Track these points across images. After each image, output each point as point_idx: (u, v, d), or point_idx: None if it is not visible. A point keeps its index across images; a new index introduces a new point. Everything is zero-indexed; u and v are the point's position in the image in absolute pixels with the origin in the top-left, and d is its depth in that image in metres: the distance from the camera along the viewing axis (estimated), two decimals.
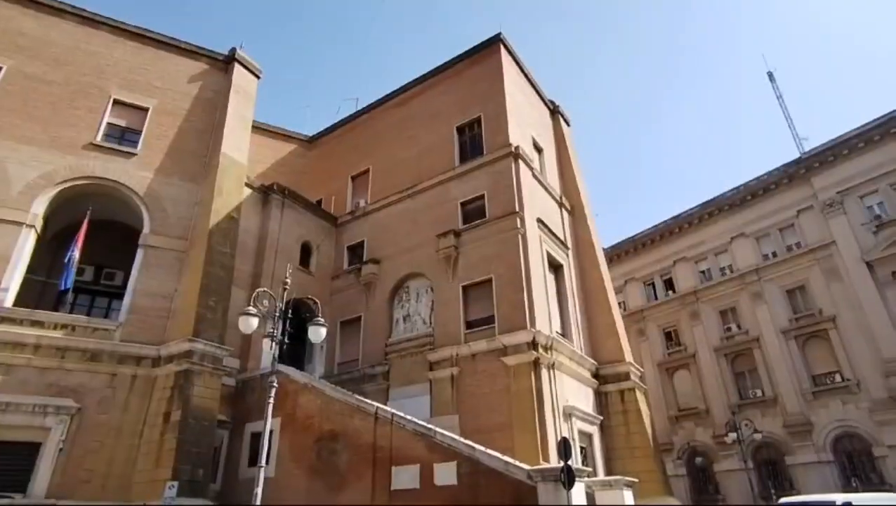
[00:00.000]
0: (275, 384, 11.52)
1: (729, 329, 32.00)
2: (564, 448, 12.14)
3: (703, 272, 34.52)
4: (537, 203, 22.19)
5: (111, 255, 19.72)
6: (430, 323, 21.16)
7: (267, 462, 12.00)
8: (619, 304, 31.58)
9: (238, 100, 22.05)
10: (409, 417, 15.26)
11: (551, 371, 18.19)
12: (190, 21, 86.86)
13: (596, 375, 21.56)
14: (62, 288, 17.37)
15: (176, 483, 14.25)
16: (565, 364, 19.30)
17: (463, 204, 22.27)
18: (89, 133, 19.15)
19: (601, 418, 20.62)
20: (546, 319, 19.50)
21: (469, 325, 20.00)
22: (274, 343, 11.88)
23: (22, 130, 18.08)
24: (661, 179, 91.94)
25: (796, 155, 31.71)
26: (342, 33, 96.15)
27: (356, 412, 15.89)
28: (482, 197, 21.76)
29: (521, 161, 21.72)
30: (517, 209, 20.51)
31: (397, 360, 21.01)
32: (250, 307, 11.72)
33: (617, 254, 38.77)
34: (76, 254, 17.19)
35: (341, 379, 21.17)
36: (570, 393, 19.07)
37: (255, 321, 11.48)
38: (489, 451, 13.43)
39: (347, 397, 16.62)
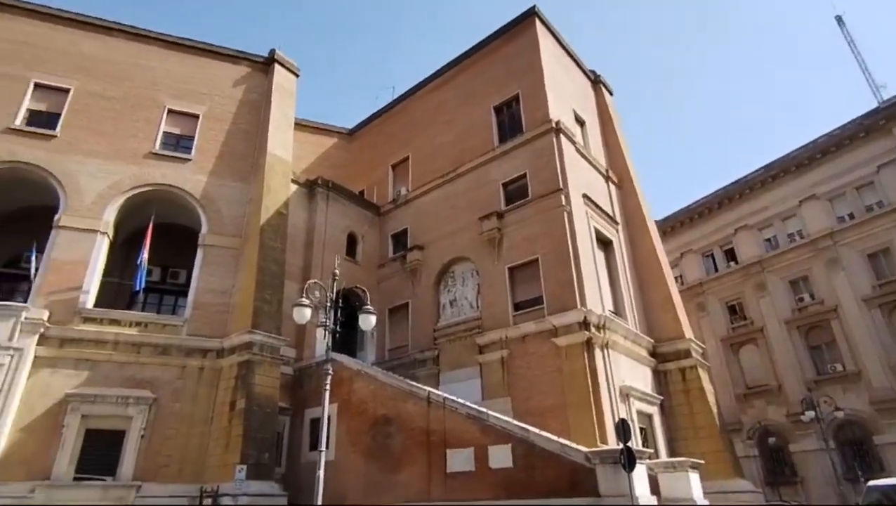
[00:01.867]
0: (330, 372, 11.89)
1: (801, 300, 30.04)
2: (623, 429, 11.84)
3: (768, 240, 32.49)
4: (582, 178, 21.62)
5: (175, 255, 20.95)
6: (478, 306, 21.19)
7: (327, 446, 12.47)
8: (676, 278, 30.41)
9: (280, 99, 22.76)
10: (461, 400, 15.42)
11: (605, 351, 17.82)
12: (221, 25, 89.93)
13: (653, 354, 20.88)
14: (136, 289, 18.69)
15: (244, 467, 15.17)
16: (620, 343, 18.85)
17: (504, 185, 22.06)
18: (148, 143, 20.37)
19: (661, 397, 20.00)
20: (597, 298, 19.09)
21: (517, 306, 19.89)
22: (327, 332, 12.26)
23: (90, 144, 19.49)
24: (715, 143, 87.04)
25: (874, 105, 29.11)
26: (375, 22, 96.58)
27: (408, 397, 16.20)
28: (524, 176, 21.46)
29: (562, 136, 21.19)
30: (561, 186, 20.08)
31: (446, 344, 21.23)
32: (303, 298, 12.12)
33: (671, 226, 37.12)
34: (145, 256, 18.42)
35: (392, 365, 21.69)
36: (626, 373, 18.61)
37: (308, 312, 11.87)
38: (544, 433, 13.40)
39: (399, 382, 17.01)
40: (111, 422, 16.19)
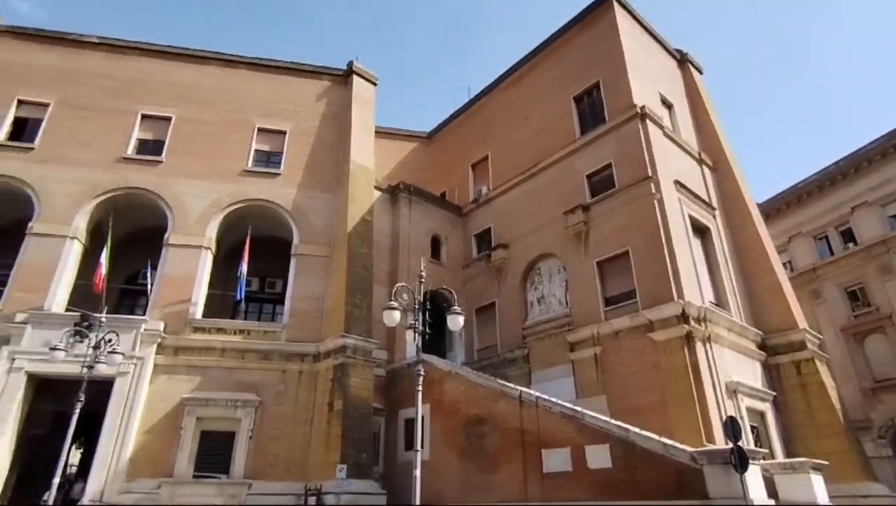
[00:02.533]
0: (421, 372, 11.93)
1: None
2: (732, 427, 11.11)
3: (893, 216, 28.95)
4: (672, 164, 20.46)
5: (271, 266, 22.12)
6: (567, 303, 20.70)
7: (421, 446, 12.56)
8: (784, 264, 27.85)
9: (360, 109, 23.43)
10: (553, 399, 15.10)
11: (707, 344, 16.80)
12: (299, 39, 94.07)
13: (763, 347, 19.33)
14: (238, 299, 19.91)
15: (345, 466, 15.64)
16: (723, 336, 17.69)
17: (589, 176, 21.41)
18: (241, 161, 21.68)
19: (774, 393, 18.48)
20: (696, 289, 17.98)
21: (608, 301, 19.23)
22: (416, 334, 12.31)
23: (191, 167, 21.06)
24: (821, 115, 79.17)
25: None
26: (449, 23, 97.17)
27: (500, 397, 16.06)
28: (609, 166, 20.71)
29: (648, 121, 20.21)
30: (649, 174, 19.13)
31: (536, 343, 20.87)
32: (392, 302, 12.24)
33: (776, 208, 34.06)
34: (244, 268, 19.58)
35: (482, 365, 21.64)
36: (732, 367, 17.42)
37: (397, 314, 11.94)
38: (644, 432, 12.84)
39: (490, 381, 16.91)
40: (222, 424, 17.33)
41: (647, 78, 22.44)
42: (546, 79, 25.16)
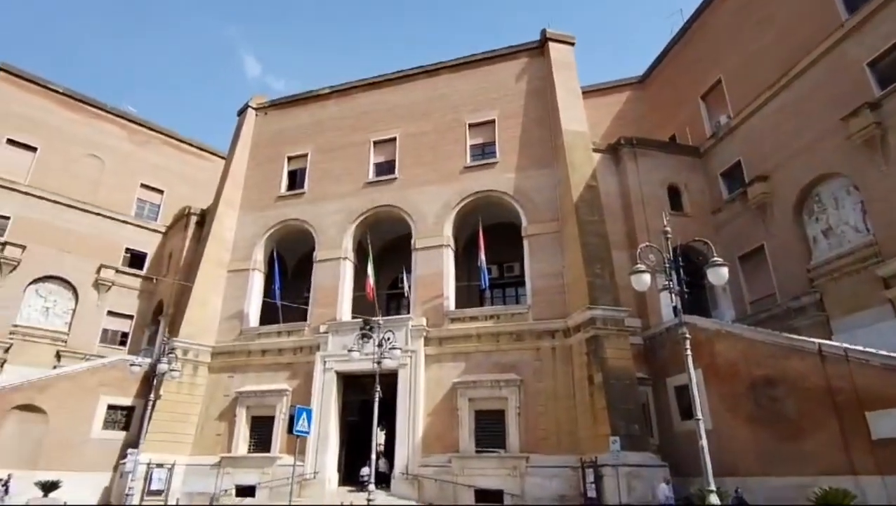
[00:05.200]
0: (687, 335, 10.80)
1: None
2: None
3: None
4: None
5: (506, 251, 22.73)
6: (867, 229, 16.40)
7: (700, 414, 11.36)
8: None
9: (561, 75, 22.45)
10: (871, 350, 12.39)
11: None
12: (486, 21, 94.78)
13: None
14: (483, 287, 21.07)
15: (618, 438, 15.06)
16: None
17: (871, 63, 16.67)
18: (460, 160, 22.85)
19: None
20: None
21: None
22: (673, 295, 11.21)
23: (420, 176, 23.08)
24: None
25: None
26: None
27: (791, 353, 13.87)
28: None
29: None
30: None
31: (829, 284, 17.09)
32: (639, 264, 11.37)
33: None
34: (483, 257, 20.57)
35: (758, 319, 18.64)
36: None
37: (647, 277, 11.04)
38: None
39: (774, 337, 14.70)
40: (491, 403, 18.42)
41: None
42: None
